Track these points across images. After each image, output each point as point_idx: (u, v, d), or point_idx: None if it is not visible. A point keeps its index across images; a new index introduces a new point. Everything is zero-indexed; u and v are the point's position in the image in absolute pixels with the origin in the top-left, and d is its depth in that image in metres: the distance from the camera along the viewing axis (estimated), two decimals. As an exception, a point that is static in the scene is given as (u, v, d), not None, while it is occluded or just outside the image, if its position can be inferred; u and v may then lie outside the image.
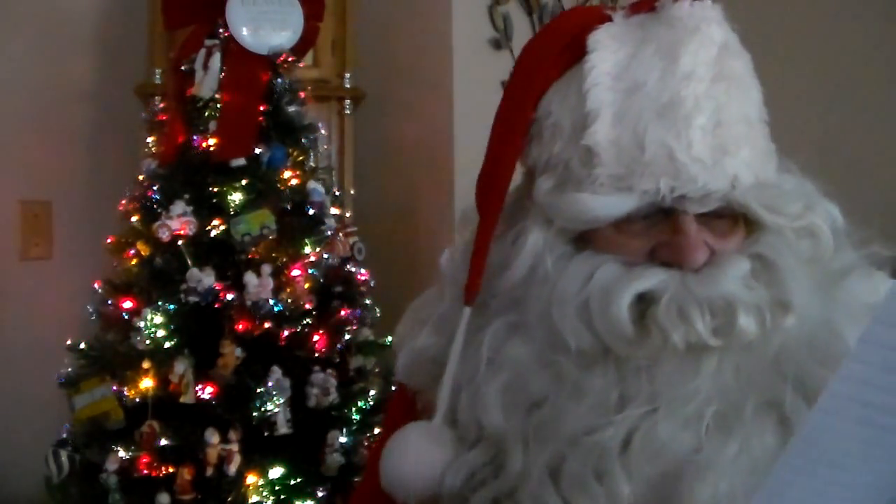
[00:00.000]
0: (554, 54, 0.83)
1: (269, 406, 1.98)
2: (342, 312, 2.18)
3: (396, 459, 0.82)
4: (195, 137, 2.12)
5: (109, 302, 2.10)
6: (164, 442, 1.94)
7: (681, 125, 0.75)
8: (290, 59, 2.24)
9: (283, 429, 1.98)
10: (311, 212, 2.18)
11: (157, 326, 1.99)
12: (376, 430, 2.15)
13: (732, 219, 0.79)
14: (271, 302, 2.03)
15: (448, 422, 0.82)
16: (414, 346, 0.88)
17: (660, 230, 0.78)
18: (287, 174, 2.16)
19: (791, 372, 0.77)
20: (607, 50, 0.79)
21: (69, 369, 2.07)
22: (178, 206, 2.05)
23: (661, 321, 0.74)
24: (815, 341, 0.78)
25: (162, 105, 2.27)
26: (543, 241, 0.81)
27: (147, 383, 1.97)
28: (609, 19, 0.83)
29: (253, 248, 2.07)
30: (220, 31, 2.17)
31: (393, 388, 0.99)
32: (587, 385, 0.76)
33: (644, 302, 0.76)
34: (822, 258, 0.82)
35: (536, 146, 0.84)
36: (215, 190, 2.09)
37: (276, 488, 1.98)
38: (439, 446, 0.81)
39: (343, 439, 2.07)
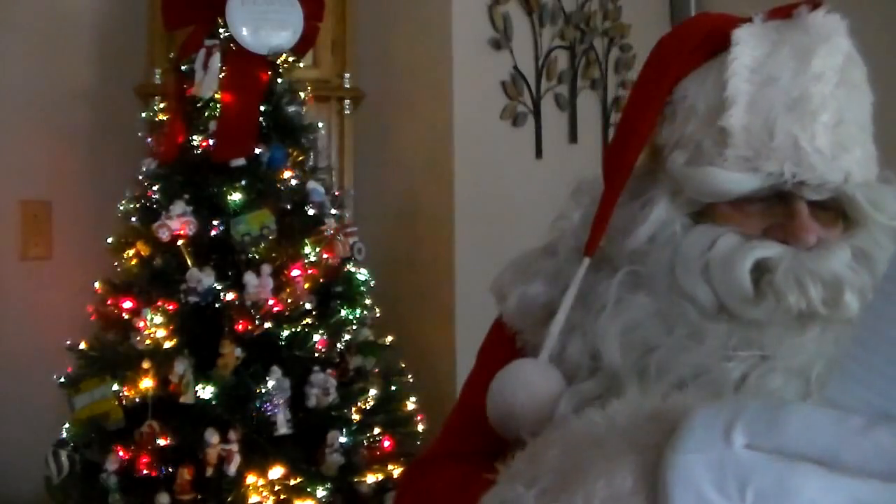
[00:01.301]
0: (693, 45, 0.93)
1: (269, 406, 1.98)
2: (342, 312, 2.19)
3: (508, 391, 0.87)
4: (195, 137, 2.12)
5: (109, 302, 2.10)
6: (163, 442, 1.94)
7: (807, 119, 0.85)
8: (289, 59, 2.24)
9: (283, 429, 1.98)
10: (311, 212, 2.18)
11: (157, 326, 1.99)
12: (376, 430, 2.15)
13: (835, 213, 0.89)
14: (271, 302, 2.03)
15: (554, 362, 0.89)
16: (526, 291, 0.97)
17: (774, 213, 0.88)
18: (287, 174, 2.16)
19: None
20: (747, 46, 0.88)
21: (69, 369, 2.07)
22: (178, 206, 2.05)
23: (778, 285, 0.83)
24: None
25: (162, 105, 2.27)
26: (667, 211, 0.91)
27: (147, 383, 1.97)
28: (746, 22, 0.92)
29: (253, 248, 2.07)
30: (220, 31, 2.17)
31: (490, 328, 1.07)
32: (704, 331, 0.85)
33: (758, 271, 0.85)
34: None
35: (668, 126, 0.93)
36: (215, 190, 2.09)
37: (276, 488, 1.98)
38: (550, 378, 0.88)
39: (343, 439, 2.07)
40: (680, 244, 0.89)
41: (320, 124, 2.41)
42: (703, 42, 0.93)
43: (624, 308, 0.89)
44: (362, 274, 2.29)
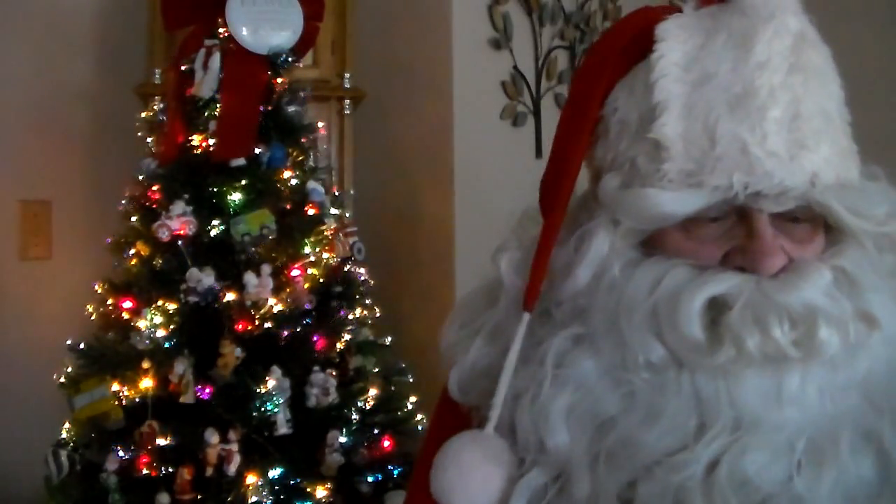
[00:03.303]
0: (620, 50, 0.80)
1: (269, 406, 1.98)
2: (342, 312, 2.19)
3: (448, 475, 0.76)
4: (195, 137, 2.12)
5: (109, 302, 2.10)
6: (163, 442, 1.94)
7: (755, 117, 0.71)
8: (289, 59, 2.24)
9: (283, 429, 1.98)
10: (311, 212, 2.18)
11: (157, 326, 1.99)
12: (376, 431, 2.15)
13: (812, 225, 0.74)
14: (271, 302, 2.03)
15: (505, 433, 0.77)
16: (466, 361, 0.83)
17: (733, 234, 0.73)
18: (287, 174, 2.16)
19: (884, 402, 0.72)
20: (676, 40, 0.75)
21: (69, 369, 2.07)
22: (178, 206, 2.05)
23: (734, 327, 0.69)
24: None
25: (162, 105, 2.27)
26: (609, 246, 0.76)
27: (147, 383, 1.97)
28: (679, 12, 0.78)
29: (253, 248, 2.07)
30: (220, 31, 2.17)
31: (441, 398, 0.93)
32: (661, 406, 0.71)
33: (716, 308, 0.71)
34: None
35: (602, 145, 0.80)
36: (215, 190, 2.09)
37: (276, 488, 1.98)
38: (493, 459, 0.76)
39: (343, 439, 2.07)
40: (624, 288, 0.74)
41: (320, 124, 2.41)
42: (632, 43, 0.79)
43: (566, 379, 0.75)
44: (362, 274, 2.29)
